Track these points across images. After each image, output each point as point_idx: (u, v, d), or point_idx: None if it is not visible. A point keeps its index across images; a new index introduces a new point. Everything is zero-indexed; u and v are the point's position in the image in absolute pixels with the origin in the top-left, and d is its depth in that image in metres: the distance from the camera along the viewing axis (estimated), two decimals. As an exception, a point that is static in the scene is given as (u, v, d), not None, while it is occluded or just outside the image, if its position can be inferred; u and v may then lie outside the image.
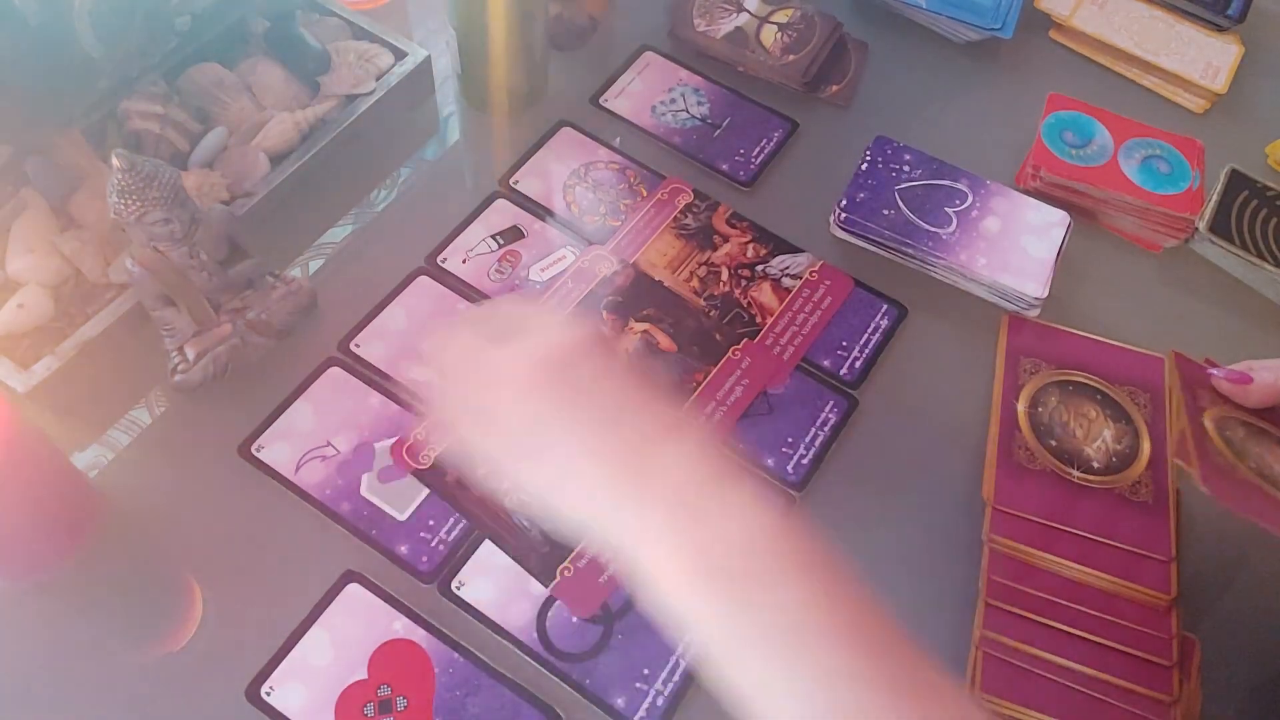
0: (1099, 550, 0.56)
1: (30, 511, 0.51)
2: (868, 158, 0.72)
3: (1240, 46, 0.82)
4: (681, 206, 0.71)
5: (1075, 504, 0.58)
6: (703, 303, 0.67)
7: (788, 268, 0.69)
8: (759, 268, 0.69)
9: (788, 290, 0.68)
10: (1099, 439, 0.60)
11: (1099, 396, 0.62)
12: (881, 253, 0.70)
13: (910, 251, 0.68)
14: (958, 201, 0.70)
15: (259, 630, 0.54)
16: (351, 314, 0.65)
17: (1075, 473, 0.59)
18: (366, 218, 0.70)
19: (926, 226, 0.69)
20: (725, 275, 0.68)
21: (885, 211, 0.69)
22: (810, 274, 0.69)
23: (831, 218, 0.70)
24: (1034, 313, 0.67)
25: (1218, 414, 0.55)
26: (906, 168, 0.71)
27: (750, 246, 0.70)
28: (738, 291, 0.68)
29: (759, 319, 0.66)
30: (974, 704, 0.37)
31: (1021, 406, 0.62)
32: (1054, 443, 0.60)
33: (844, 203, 0.69)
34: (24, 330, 0.59)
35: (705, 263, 0.69)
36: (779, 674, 0.36)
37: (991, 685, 0.53)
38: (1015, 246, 0.68)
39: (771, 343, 0.65)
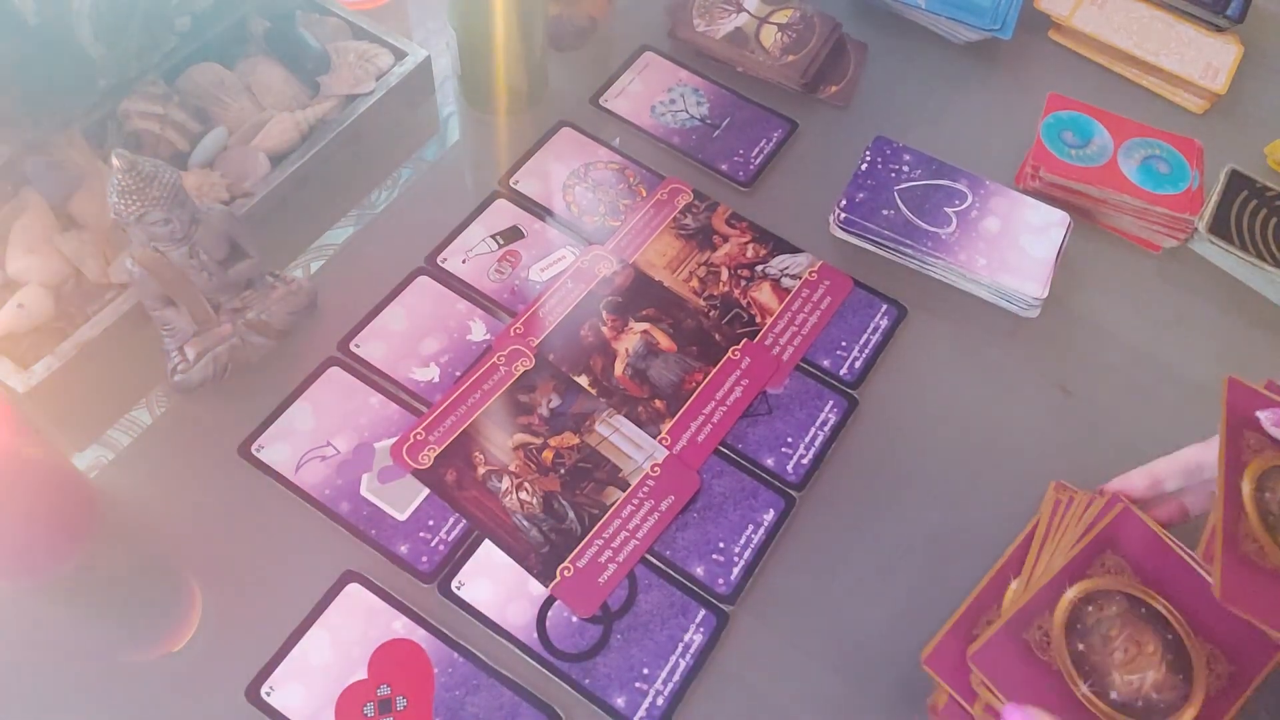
0: None
1: (30, 512, 0.51)
2: (867, 158, 0.72)
3: (1240, 46, 0.82)
4: (681, 207, 0.71)
5: None
6: (702, 303, 0.67)
7: (787, 268, 0.69)
8: (759, 268, 0.69)
9: (787, 290, 0.68)
10: None
11: None
12: (881, 253, 0.70)
13: (910, 251, 0.68)
14: (957, 201, 0.70)
15: (259, 630, 0.54)
16: (351, 314, 0.65)
17: None
18: (366, 218, 0.70)
19: (926, 227, 0.69)
20: (725, 275, 0.68)
21: (885, 212, 0.69)
22: (810, 274, 0.69)
23: (831, 218, 0.70)
24: (1034, 313, 0.67)
25: (1264, 465, 0.49)
26: (906, 168, 0.71)
27: (750, 246, 0.70)
28: (737, 291, 0.68)
29: (759, 319, 0.66)
30: None
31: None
32: None
33: (844, 203, 0.69)
34: (24, 330, 0.59)
35: (705, 263, 0.69)
36: None
37: None
38: (1015, 246, 0.68)
39: (771, 343, 0.66)
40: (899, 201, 0.70)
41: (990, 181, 0.71)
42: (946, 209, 0.70)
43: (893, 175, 0.71)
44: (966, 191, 0.71)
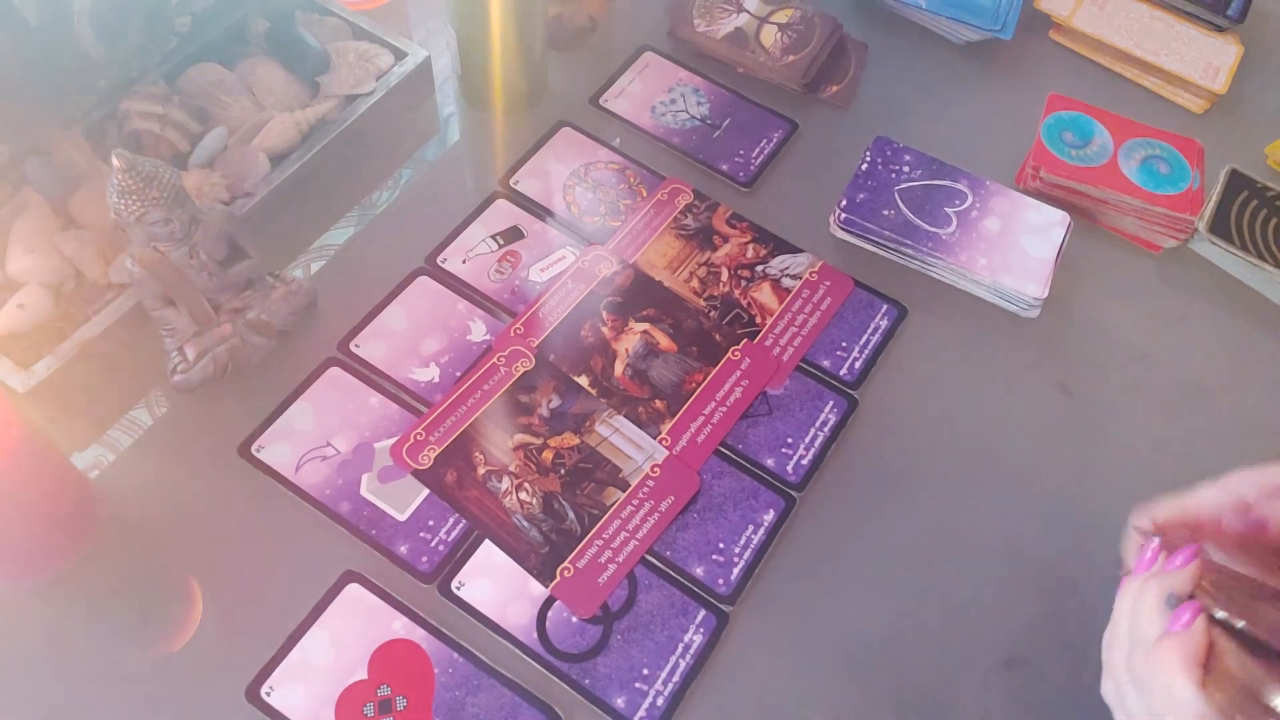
0: None
1: (31, 512, 0.51)
2: (868, 158, 0.72)
3: (1240, 46, 0.81)
4: (681, 207, 0.71)
5: None
6: (703, 303, 0.67)
7: (787, 268, 0.69)
8: (759, 268, 0.69)
9: (788, 291, 0.68)
10: None
11: None
12: (881, 253, 0.70)
13: (910, 252, 0.68)
14: (957, 202, 0.70)
15: (259, 630, 0.54)
16: (351, 314, 0.65)
17: None
18: (367, 218, 0.70)
19: (926, 227, 0.69)
20: (725, 276, 0.68)
21: (885, 212, 0.69)
22: (810, 274, 0.69)
23: (831, 218, 0.70)
24: (1034, 313, 0.67)
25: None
26: (906, 168, 0.71)
27: (750, 247, 0.70)
28: (737, 292, 0.68)
29: (759, 319, 0.66)
30: None
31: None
32: None
33: (844, 203, 0.69)
34: (24, 330, 0.59)
35: (705, 263, 0.69)
36: None
37: None
38: (1015, 246, 0.68)
39: (771, 343, 0.65)
40: (899, 202, 0.70)
41: (990, 182, 0.71)
42: (947, 209, 0.70)
43: (893, 175, 0.71)
44: (967, 192, 0.71)
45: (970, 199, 0.70)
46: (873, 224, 0.69)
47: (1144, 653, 0.41)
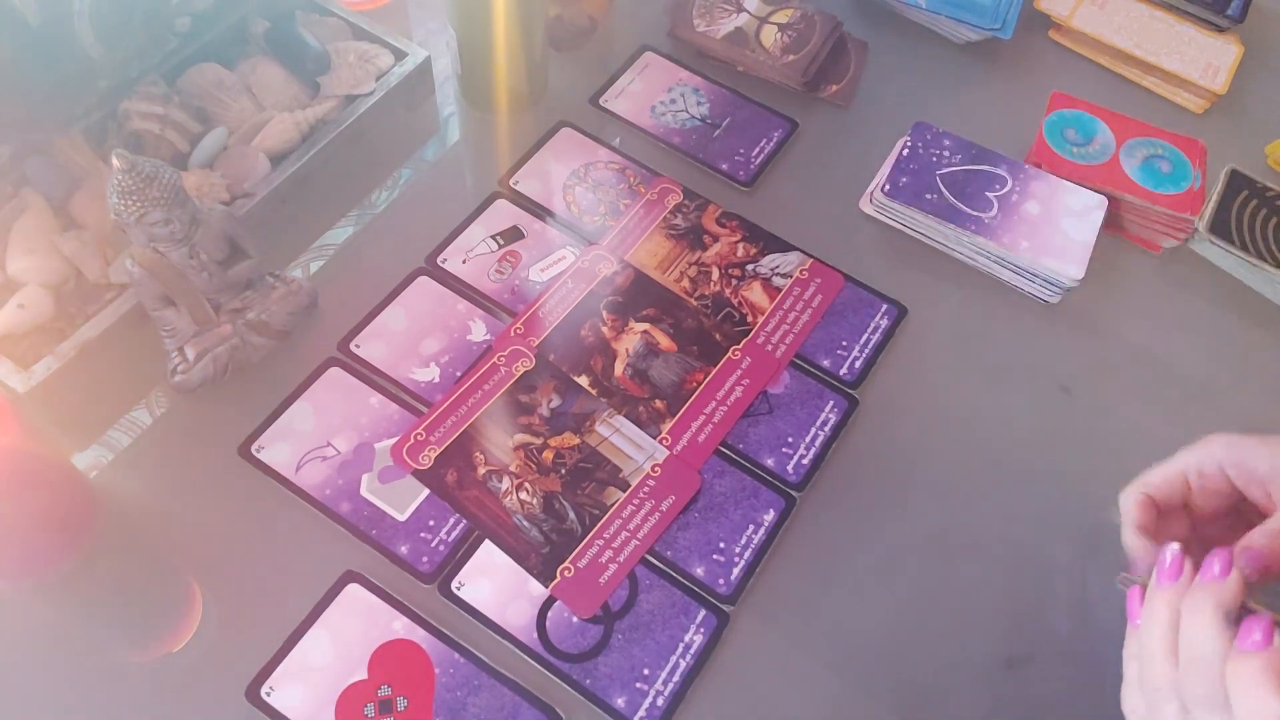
0: None
1: (30, 512, 0.51)
2: (908, 143, 0.72)
3: (1240, 46, 0.81)
4: (671, 206, 0.71)
5: None
6: (695, 303, 0.67)
7: (778, 266, 0.69)
8: (749, 267, 0.69)
9: (778, 289, 0.68)
10: None
11: None
12: (913, 232, 0.70)
13: (953, 233, 0.69)
14: (997, 186, 0.70)
15: (259, 630, 0.54)
16: (351, 314, 0.65)
17: None
18: (366, 218, 0.70)
19: (969, 210, 0.69)
20: (715, 275, 0.68)
21: (928, 196, 0.69)
22: (800, 272, 0.69)
23: (864, 197, 0.71)
24: (1058, 299, 0.68)
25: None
26: (946, 153, 0.72)
27: (740, 246, 0.70)
28: (728, 291, 0.68)
29: (750, 318, 0.66)
30: None
31: None
32: None
33: (886, 187, 0.69)
34: (24, 330, 0.59)
35: (695, 262, 0.69)
36: None
37: None
38: (1057, 229, 0.68)
39: (763, 341, 0.65)
40: (941, 186, 0.70)
41: (1029, 166, 0.71)
42: (987, 193, 0.70)
43: (934, 160, 0.71)
44: (1006, 176, 0.71)
45: (1010, 183, 0.70)
46: (915, 206, 0.69)
47: (1207, 671, 0.39)
